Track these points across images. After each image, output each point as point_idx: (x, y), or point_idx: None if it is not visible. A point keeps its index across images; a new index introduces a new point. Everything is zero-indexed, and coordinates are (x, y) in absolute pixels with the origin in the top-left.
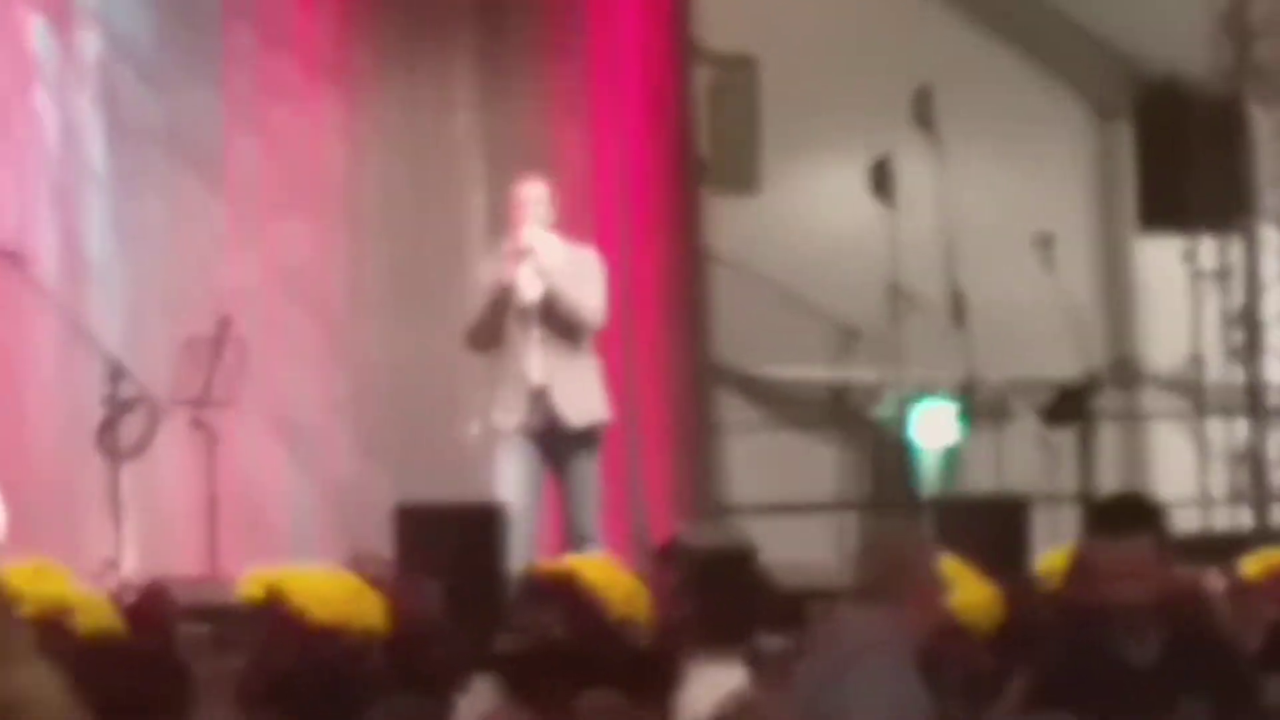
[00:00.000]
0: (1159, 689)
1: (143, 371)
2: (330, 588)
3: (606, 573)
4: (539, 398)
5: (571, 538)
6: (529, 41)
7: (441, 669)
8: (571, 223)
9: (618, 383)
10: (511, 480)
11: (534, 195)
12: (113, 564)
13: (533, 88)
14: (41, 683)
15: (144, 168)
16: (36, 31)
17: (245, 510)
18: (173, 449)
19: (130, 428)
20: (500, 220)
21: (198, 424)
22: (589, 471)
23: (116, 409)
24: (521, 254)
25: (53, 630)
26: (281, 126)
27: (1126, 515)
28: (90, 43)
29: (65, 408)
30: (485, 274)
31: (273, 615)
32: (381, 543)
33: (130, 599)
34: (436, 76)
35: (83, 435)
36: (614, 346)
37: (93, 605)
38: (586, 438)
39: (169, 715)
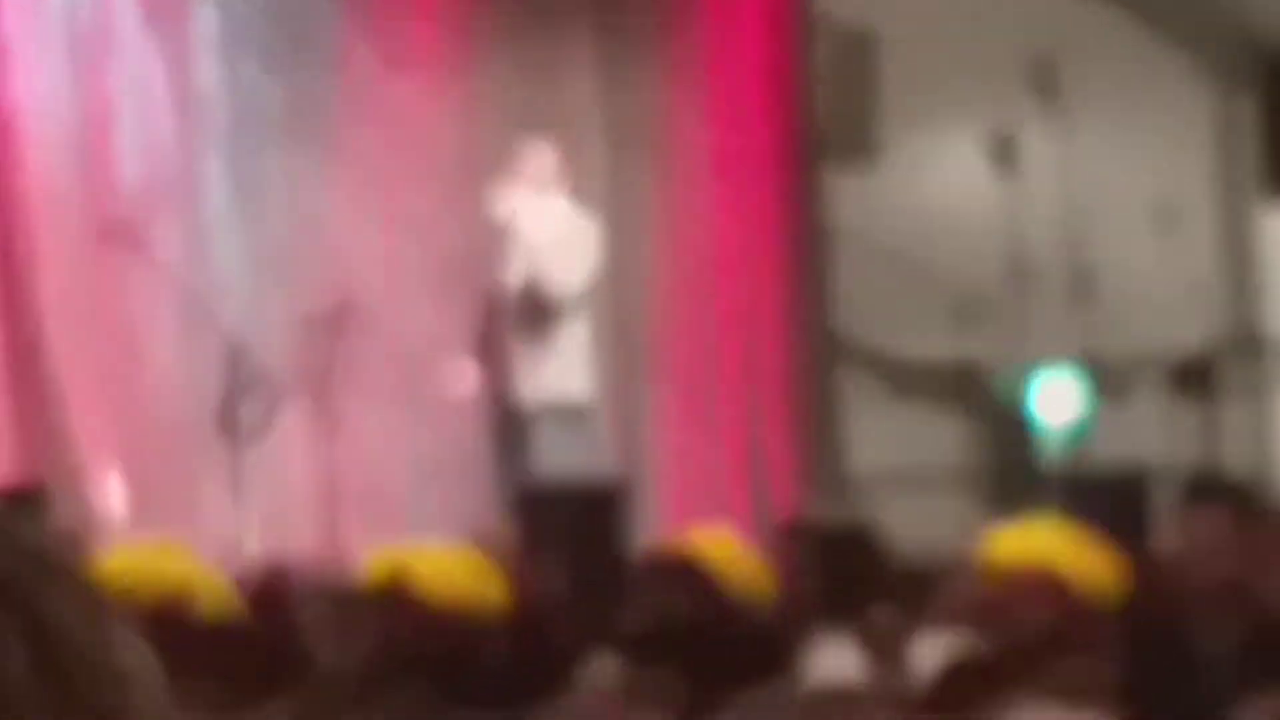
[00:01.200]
0: (1232, 678)
1: (263, 352)
2: (452, 566)
3: (728, 549)
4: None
5: None
6: (647, 14)
7: (564, 648)
8: (688, 200)
9: (739, 358)
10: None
11: (536, 158)
12: (234, 546)
13: (651, 61)
14: (139, 652)
15: (263, 146)
16: (154, 7)
17: (366, 490)
18: (293, 430)
19: (251, 408)
20: (618, 193)
21: (319, 403)
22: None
23: (237, 390)
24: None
25: (174, 612)
26: (399, 101)
27: (1203, 490)
28: (209, 18)
29: (186, 388)
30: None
31: (395, 596)
32: (504, 521)
33: (251, 581)
34: (554, 50)
35: (203, 416)
36: (733, 321)
37: (214, 587)
38: (556, 418)
39: (290, 698)
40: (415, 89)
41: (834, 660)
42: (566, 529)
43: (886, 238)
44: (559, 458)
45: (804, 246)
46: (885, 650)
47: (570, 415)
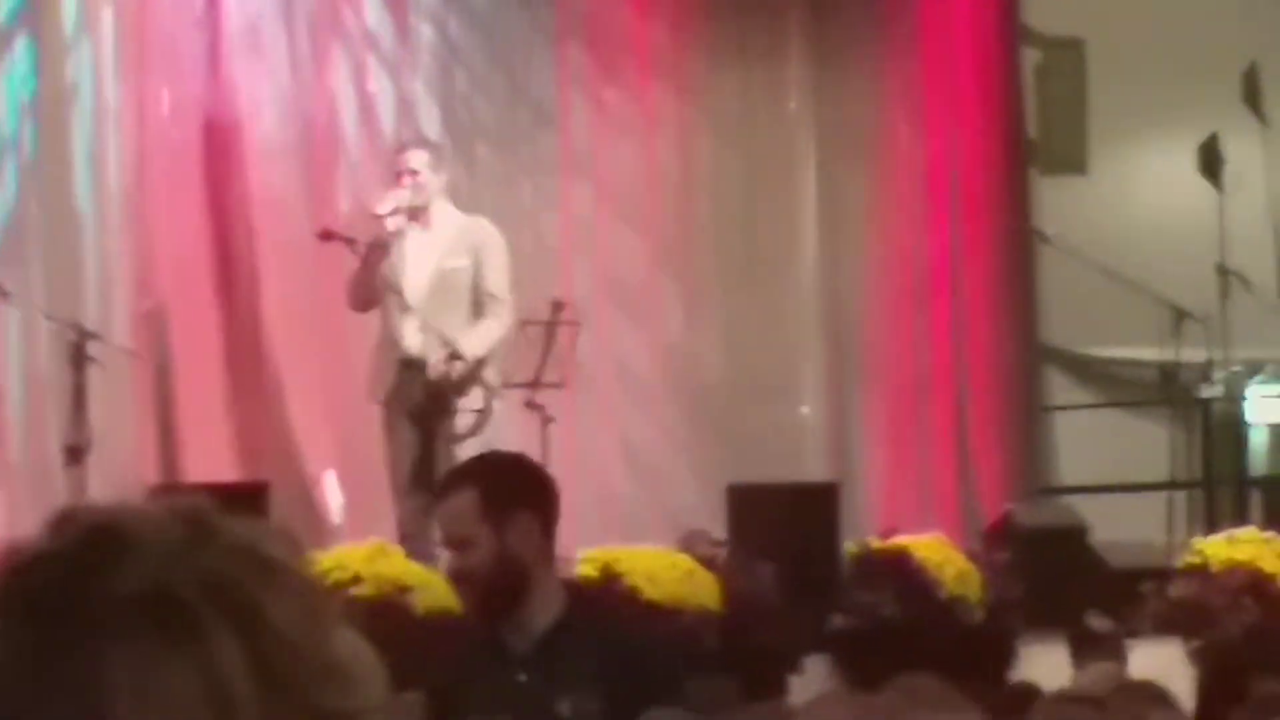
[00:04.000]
0: None
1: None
2: (664, 568)
3: (939, 552)
4: (412, 369)
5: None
6: (860, 27)
7: (775, 648)
8: (899, 206)
9: (949, 368)
10: (391, 455)
11: (408, 163)
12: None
13: (864, 72)
14: (358, 650)
15: (478, 146)
16: (371, 12)
17: (579, 491)
18: (507, 430)
19: (465, 409)
20: (833, 206)
21: (531, 405)
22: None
23: (451, 391)
24: (414, 215)
25: (391, 609)
26: (617, 110)
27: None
28: (426, 18)
29: None
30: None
31: (608, 595)
32: (715, 523)
33: None
34: (768, 63)
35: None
36: (944, 328)
37: (430, 584)
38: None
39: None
40: (631, 96)
41: (1045, 662)
42: (778, 531)
43: (1094, 245)
44: None
45: (1014, 254)
46: (1099, 653)
47: None
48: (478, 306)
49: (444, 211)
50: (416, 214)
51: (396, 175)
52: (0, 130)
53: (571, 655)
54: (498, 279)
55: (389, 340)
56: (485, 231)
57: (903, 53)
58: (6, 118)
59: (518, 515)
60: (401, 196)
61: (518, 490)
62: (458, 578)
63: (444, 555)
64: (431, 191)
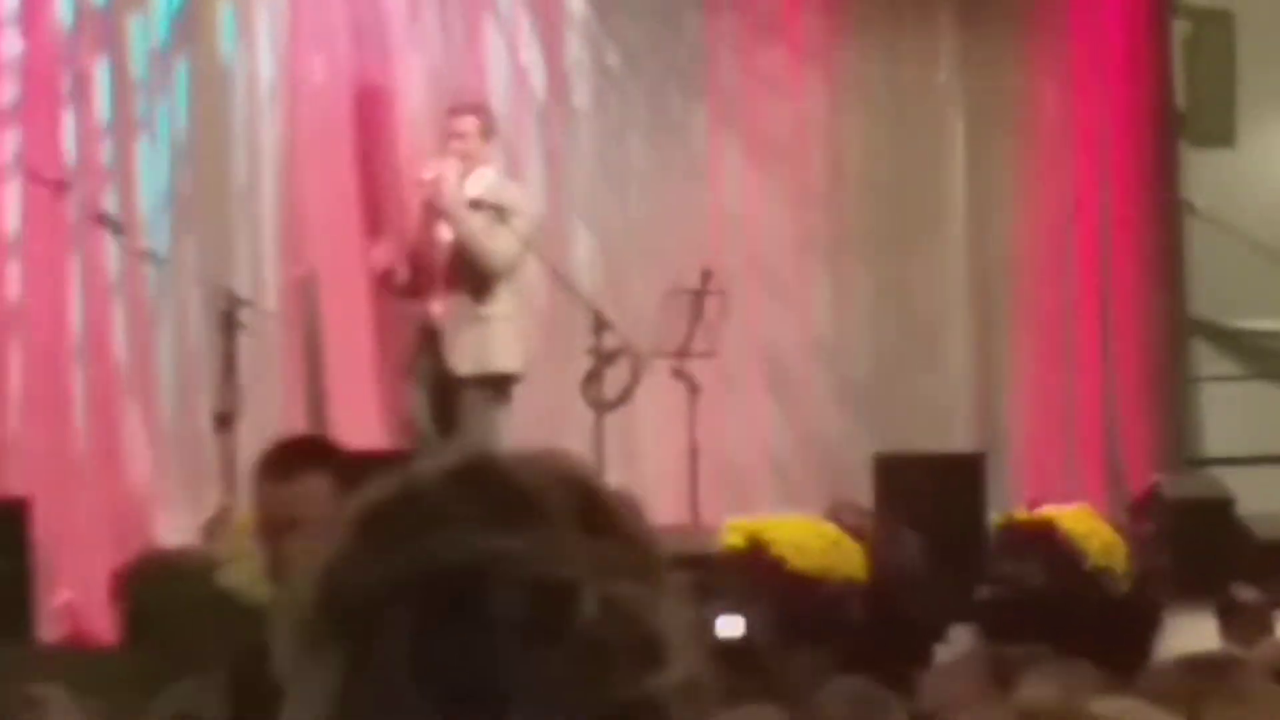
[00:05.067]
0: None
1: (626, 323)
2: (810, 537)
3: (1085, 523)
4: (431, 341)
5: None
6: (1009, 1)
7: (920, 618)
8: (1047, 175)
9: (1097, 338)
10: (422, 429)
11: (459, 128)
12: None
13: (1013, 42)
14: (679, 619)
15: (630, 122)
16: None
17: (726, 460)
18: (655, 399)
19: (614, 378)
20: (981, 177)
21: (679, 375)
22: (483, 424)
23: (601, 360)
24: (424, 186)
25: None
26: (766, 80)
27: None
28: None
29: (553, 359)
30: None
31: (754, 564)
32: (861, 493)
33: None
34: (918, 35)
35: (569, 386)
36: (1092, 299)
37: None
38: (482, 388)
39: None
40: (781, 67)
41: (1192, 634)
42: (925, 501)
43: (1243, 217)
44: None
45: (1163, 225)
46: (1247, 624)
47: None
48: (475, 278)
49: (481, 178)
50: (459, 181)
51: (446, 138)
52: (154, 100)
53: None
54: (503, 239)
55: (415, 316)
56: (510, 193)
57: (1052, 23)
58: (161, 87)
59: None
60: (439, 166)
61: (361, 474)
62: (290, 563)
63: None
64: (479, 158)
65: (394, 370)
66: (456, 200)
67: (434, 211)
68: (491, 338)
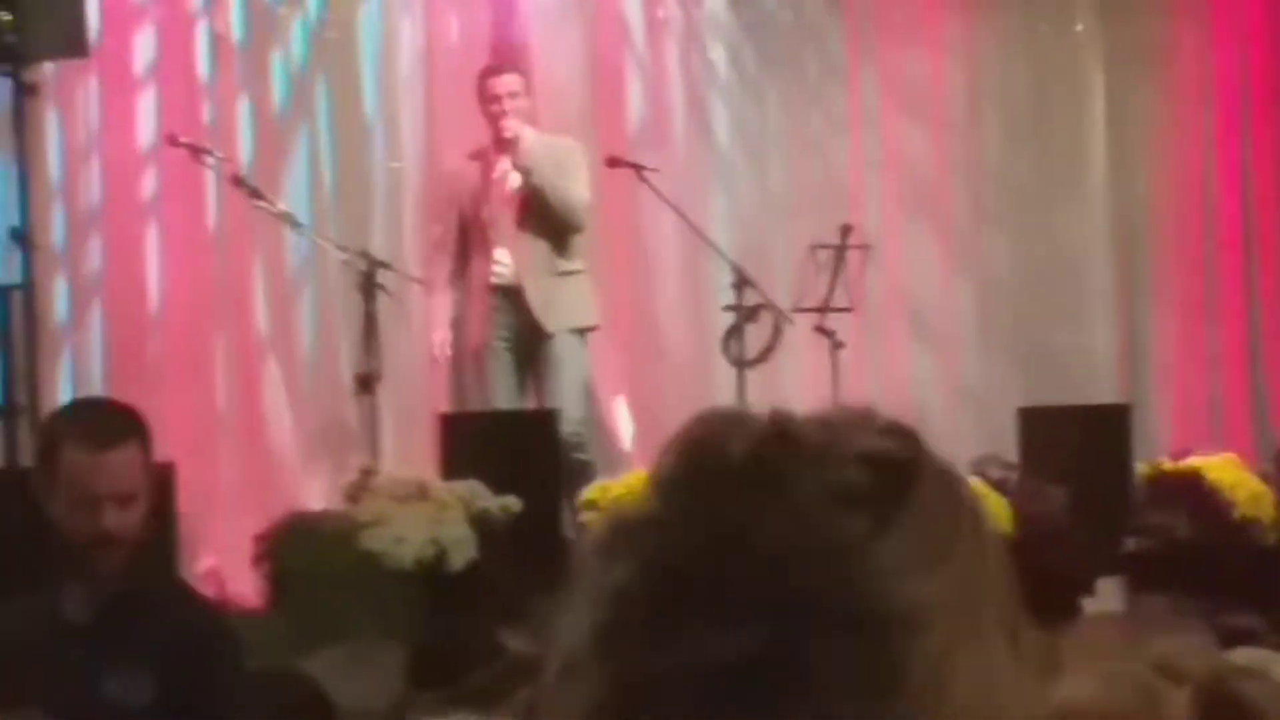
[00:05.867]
0: None
1: (767, 279)
2: None
3: (1231, 473)
4: (513, 301)
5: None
6: None
7: (1068, 572)
8: (1187, 125)
9: (1240, 287)
10: (502, 393)
11: (509, 87)
12: None
13: None
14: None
15: (769, 74)
16: None
17: None
18: (797, 356)
19: (755, 335)
20: (1121, 126)
21: (821, 330)
22: (570, 378)
23: (742, 317)
24: (505, 145)
25: None
26: (903, 35)
27: None
28: None
29: (692, 316)
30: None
31: None
32: (1006, 447)
33: None
34: None
35: (710, 344)
36: (1235, 247)
37: None
38: (568, 343)
39: None
40: (918, 17)
41: None
42: (1070, 453)
43: None
44: None
45: None
46: None
47: None
48: (563, 228)
49: (527, 137)
50: (505, 145)
51: (484, 99)
52: (294, 62)
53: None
54: (579, 188)
55: (480, 278)
56: (565, 148)
57: None
58: (300, 48)
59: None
60: (511, 126)
61: (153, 443)
62: (111, 537)
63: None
64: (522, 118)
65: (469, 327)
66: (537, 158)
67: (500, 170)
68: (576, 292)
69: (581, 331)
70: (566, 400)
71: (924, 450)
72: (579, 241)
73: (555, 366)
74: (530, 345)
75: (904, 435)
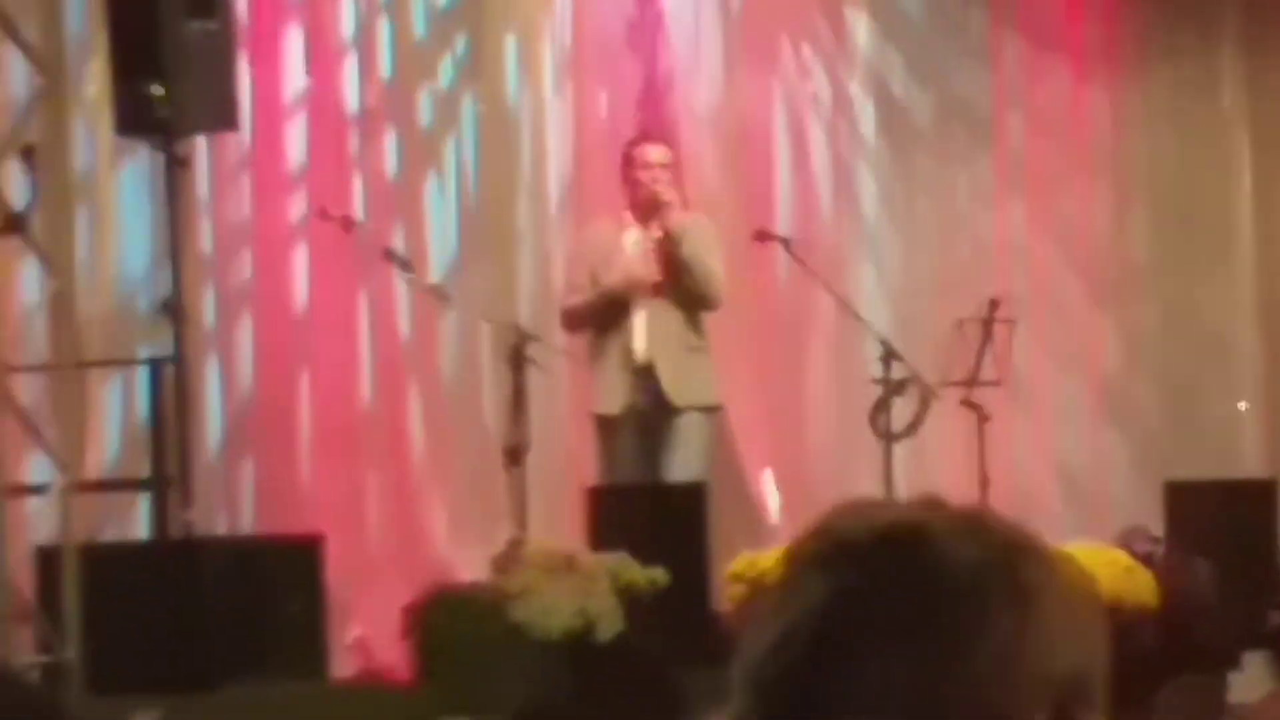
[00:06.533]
0: None
1: (914, 353)
2: (1102, 564)
3: None
4: (642, 375)
5: None
6: None
7: (1214, 646)
8: None
9: None
10: (628, 465)
11: (662, 157)
12: None
13: None
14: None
15: (914, 148)
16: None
17: (1015, 489)
18: (944, 429)
19: (902, 409)
20: (1269, 200)
21: (968, 404)
22: (694, 457)
23: (889, 390)
24: (652, 212)
25: None
26: (1050, 109)
27: None
28: (861, 26)
29: (840, 389)
30: (601, 249)
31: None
32: (1152, 519)
33: None
34: (1201, 58)
35: (857, 417)
36: None
37: None
38: (694, 420)
39: None
40: (1064, 94)
41: None
42: (1216, 527)
43: None
44: None
45: None
46: None
47: None
48: (701, 301)
49: (676, 209)
50: (651, 212)
51: (634, 166)
52: (441, 137)
53: None
54: (718, 265)
55: (618, 348)
56: (704, 224)
57: None
58: (449, 122)
59: None
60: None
61: None
62: None
63: None
64: (672, 189)
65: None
66: (686, 228)
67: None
68: (705, 368)
69: (708, 410)
70: (689, 476)
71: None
72: (706, 320)
73: (680, 442)
74: (656, 420)
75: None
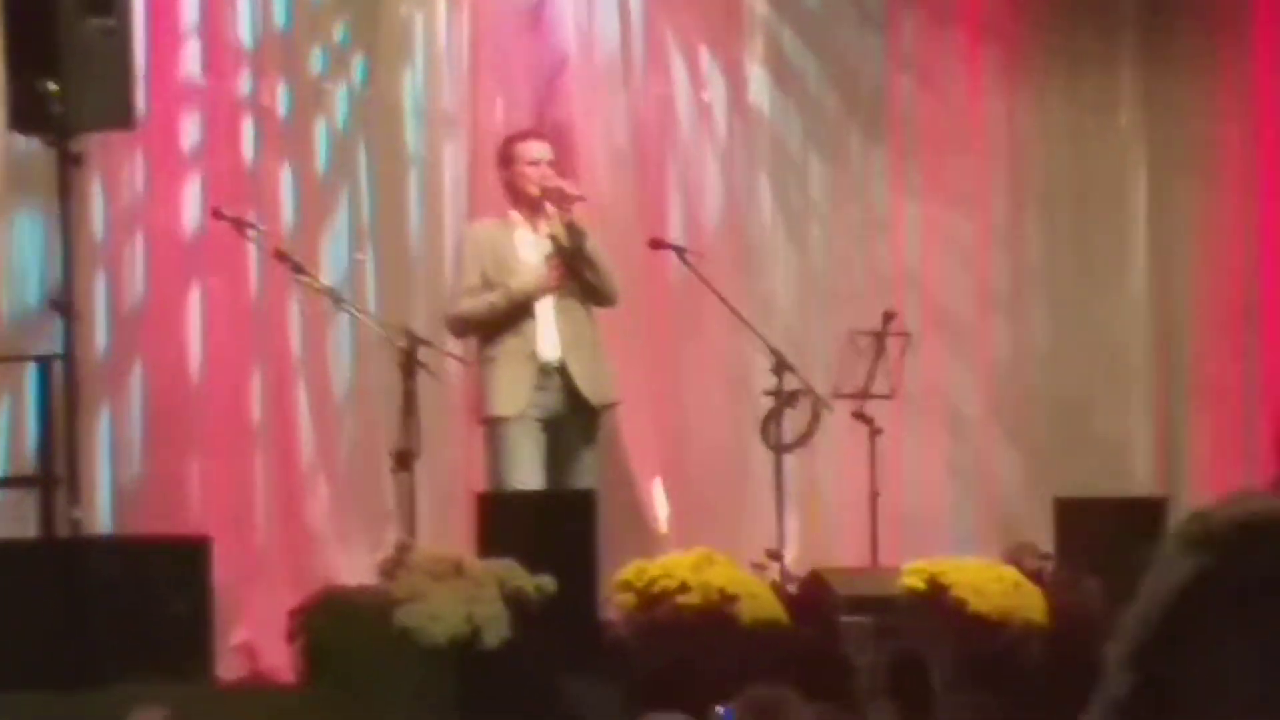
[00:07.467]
0: None
1: (807, 364)
2: (990, 580)
3: None
4: (553, 376)
5: None
6: (1192, 42)
7: (1102, 662)
8: (1230, 218)
9: (1279, 379)
10: (527, 467)
11: (547, 153)
12: (775, 555)
13: (1196, 85)
14: None
15: (812, 159)
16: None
17: (906, 502)
18: (835, 441)
19: (794, 420)
20: (1164, 220)
21: (860, 417)
22: (593, 457)
23: (781, 401)
24: (540, 208)
25: (717, 618)
26: (944, 127)
27: None
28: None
29: (733, 400)
30: (491, 248)
31: (934, 606)
32: (1041, 536)
33: (792, 588)
34: (1099, 76)
35: (749, 428)
36: (1275, 343)
37: (756, 594)
38: (597, 420)
39: (830, 702)
40: (961, 109)
41: None
42: (1106, 544)
43: None
44: None
45: None
46: None
47: None
48: (602, 298)
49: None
50: (540, 209)
51: (519, 162)
52: (336, 142)
53: None
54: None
55: (517, 349)
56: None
57: (1236, 66)
58: (343, 129)
59: None
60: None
61: None
62: None
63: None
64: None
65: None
66: (585, 225)
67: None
68: (609, 366)
69: (612, 407)
70: (594, 477)
71: None
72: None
73: (588, 442)
74: (566, 420)
75: None
